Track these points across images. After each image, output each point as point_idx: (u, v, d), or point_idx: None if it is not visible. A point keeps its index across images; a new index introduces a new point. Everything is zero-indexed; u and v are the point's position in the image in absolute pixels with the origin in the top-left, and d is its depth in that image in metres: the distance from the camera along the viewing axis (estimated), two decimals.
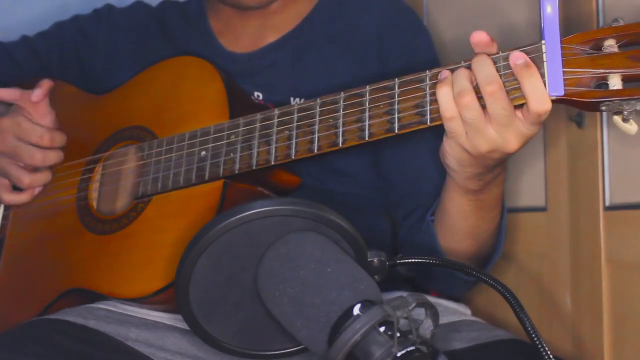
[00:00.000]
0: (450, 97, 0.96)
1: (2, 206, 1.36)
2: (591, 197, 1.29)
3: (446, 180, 1.11)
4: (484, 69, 0.95)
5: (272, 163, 1.10)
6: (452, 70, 0.98)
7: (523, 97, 0.94)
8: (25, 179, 1.25)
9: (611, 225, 1.26)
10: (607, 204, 1.28)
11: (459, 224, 1.14)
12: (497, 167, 1.05)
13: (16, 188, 1.28)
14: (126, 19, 1.46)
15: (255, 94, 1.32)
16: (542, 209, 1.42)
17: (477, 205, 1.11)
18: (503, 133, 0.96)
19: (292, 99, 1.30)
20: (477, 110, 0.95)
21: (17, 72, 1.48)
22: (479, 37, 0.97)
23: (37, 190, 1.28)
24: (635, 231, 1.23)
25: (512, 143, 0.97)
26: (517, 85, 0.94)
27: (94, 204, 1.27)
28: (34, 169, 1.27)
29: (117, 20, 1.46)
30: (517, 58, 0.94)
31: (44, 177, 1.27)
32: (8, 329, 1.07)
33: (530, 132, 0.97)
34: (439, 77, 0.98)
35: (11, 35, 1.53)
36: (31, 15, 1.74)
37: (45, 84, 1.27)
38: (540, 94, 0.93)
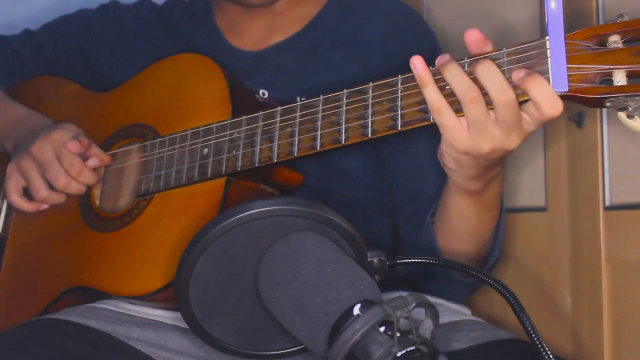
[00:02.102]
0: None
1: (5, 204, 1.36)
2: (591, 197, 1.29)
3: (447, 182, 1.11)
4: (492, 75, 0.93)
5: (275, 160, 1.10)
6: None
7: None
8: (43, 192, 1.24)
9: (611, 225, 1.27)
10: (607, 204, 1.28)
11: (460, 225, 1.14)
12: (497, 166, 1.04)
13: (25, 194, 1.28)
14: (132, 15, 1.46)
15: (261, 91, 1.32)
16: (542, 209, 1.42)
17: (477, 205, 1.11)
18: (509, 133, 0.95)
19: (298, 98, 1.30)
20: (484, 106, 0.94)
21: (19, 68, 1.47)
22: (473, 36, 0.96)
23: (43, 207, 1.26)
24: (635, 231, 1.24)
25: (514, 142, 0.96)
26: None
27: (97, 201, 1.27)
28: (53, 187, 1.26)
29: (123, 17, 1.46)
30: (519, 73, 0.93)
31: (58, 198, 1.25)
32: (9, 329, 1.07)
33: (532, 129, 0.97)
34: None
35: (12, 32, 1.52)
36: (32, 12, 1.74)
37: (105, 160, 1.27)
38: (551, 98, 0.91)
